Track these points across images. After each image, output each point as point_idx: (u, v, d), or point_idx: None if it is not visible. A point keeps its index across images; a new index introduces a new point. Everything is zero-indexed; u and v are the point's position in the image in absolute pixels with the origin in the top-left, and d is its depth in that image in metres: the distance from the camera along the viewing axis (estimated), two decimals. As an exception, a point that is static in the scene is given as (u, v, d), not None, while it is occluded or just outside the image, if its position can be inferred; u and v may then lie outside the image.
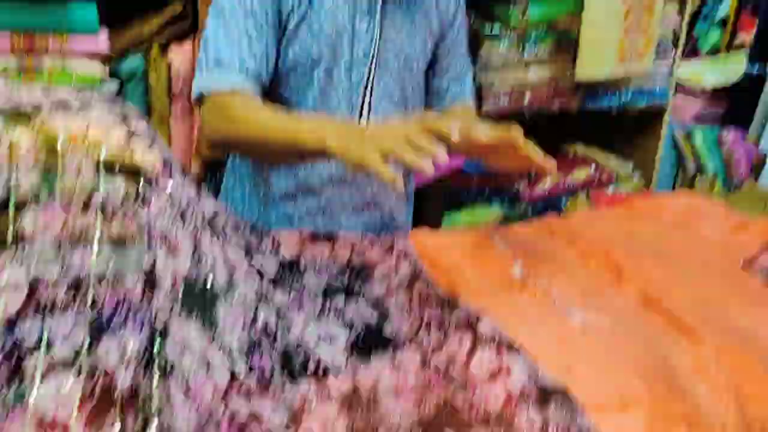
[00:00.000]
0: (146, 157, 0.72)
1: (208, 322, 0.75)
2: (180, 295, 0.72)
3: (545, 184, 2.11)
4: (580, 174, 2.16)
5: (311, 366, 0.84)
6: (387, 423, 0.77)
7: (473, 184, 2.04)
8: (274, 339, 0.83)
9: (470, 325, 0.90)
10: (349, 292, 1.02)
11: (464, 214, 2.06)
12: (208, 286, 0.77)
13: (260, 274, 0.95)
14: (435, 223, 1.96)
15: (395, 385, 0.83)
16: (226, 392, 0.72)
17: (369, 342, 0.91)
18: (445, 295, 1.00)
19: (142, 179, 0.71)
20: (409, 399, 0.81)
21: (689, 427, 0.80)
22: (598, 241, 1.30)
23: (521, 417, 0.74)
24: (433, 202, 1.96)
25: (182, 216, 0.77)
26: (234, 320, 0.79)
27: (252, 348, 0.79)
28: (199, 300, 0.75)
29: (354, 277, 1.07)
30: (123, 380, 0.60)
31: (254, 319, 0.82)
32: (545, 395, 0.77)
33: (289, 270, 1.03)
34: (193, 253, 0.76)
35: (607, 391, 0.82)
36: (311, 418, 0.76)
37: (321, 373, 0.84)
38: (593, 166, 2.19)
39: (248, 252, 0.98)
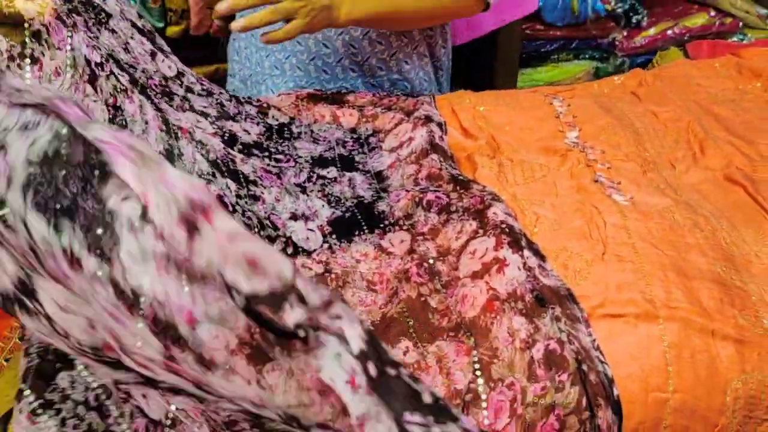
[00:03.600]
0: (28, 4, 0.57)
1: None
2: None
3: (647, 33, 1.76)
4: (695, 20, 1.77)
5: (277, 246, 0.72)
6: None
7: (556, 35, 1.73)
8: (231, 212, 0.71)
9: (478, 210, 0.73)
10: (347, 162, 0.88)
11: (545, 71, 1.78)
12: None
13: (231, 139, 0.82)
14: (508, 82, 1.70)
15: (371, 273, 0.70)
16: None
17: (354, 220, 0.78)
18: (460, 173, 0.82)
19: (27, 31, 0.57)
20: (382, 290, 0.68)
21: (740, 344, 0.62)
22: (685, 104, 1.03)
23: (500, 326, 0.59)
24: (506, 57, 1.70)
25: (93, 78, 0.63)
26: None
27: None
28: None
29: (358, 146, 0.91)
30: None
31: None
32: (540, 301, 0.60)
33: (278, 135, 0.89)
34: (112, 119, 0.63)
35: (631, 295, 0.64)
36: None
37: (289, 254, 0.72)
38: (712, 10, 1.78)
39: (223, 116, 0.85)
